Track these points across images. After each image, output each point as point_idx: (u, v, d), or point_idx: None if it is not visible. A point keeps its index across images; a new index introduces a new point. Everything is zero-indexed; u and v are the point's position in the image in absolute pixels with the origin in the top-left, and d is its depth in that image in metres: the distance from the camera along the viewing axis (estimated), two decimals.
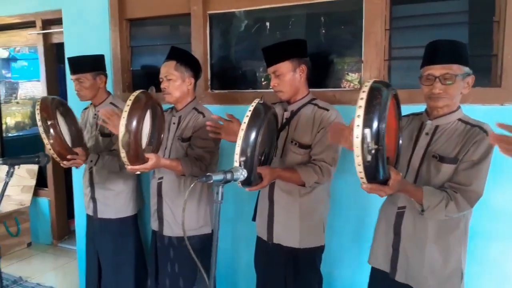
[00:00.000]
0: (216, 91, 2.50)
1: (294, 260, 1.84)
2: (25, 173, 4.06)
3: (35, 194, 4.11)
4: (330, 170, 1.76)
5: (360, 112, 1.15)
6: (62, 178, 4.13)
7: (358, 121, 1.15)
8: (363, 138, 1.14)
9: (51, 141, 1.97)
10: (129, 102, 1.66)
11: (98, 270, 2.52)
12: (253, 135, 1.46)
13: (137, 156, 1.70)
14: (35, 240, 4.12)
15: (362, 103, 1.16)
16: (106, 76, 2.37)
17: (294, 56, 1.78)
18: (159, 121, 1.94)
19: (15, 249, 3.90)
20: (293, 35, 2.28)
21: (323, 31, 2.30)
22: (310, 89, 1.89)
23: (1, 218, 3.73)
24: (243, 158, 1.45)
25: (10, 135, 4.65)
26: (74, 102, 2.68)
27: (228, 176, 1.20)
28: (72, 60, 2.31)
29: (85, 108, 2.50)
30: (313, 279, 1.87)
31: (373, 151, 1.14)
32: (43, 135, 1.95)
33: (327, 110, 1.80)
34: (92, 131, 2.38)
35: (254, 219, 2.02)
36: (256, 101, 1.57)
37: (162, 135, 1.99)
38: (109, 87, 2.69)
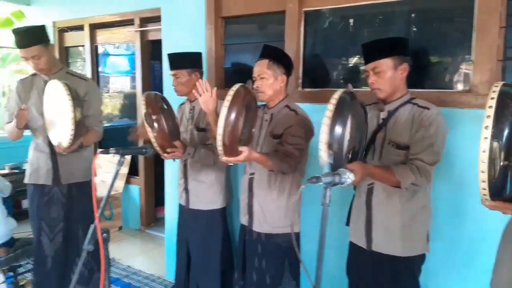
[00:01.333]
0: (307, 90, 2.47)
1: (393, 269, 1.76)
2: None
3: (127, 181, 4.41)
4: (429, 171, 1.65)
5: (488, 122, 1.03)
6: (152, 168, 4.38)
7: (486, 133, 1.03)
8: (492, 152, 1.03)
9: (155, 134, 2.08)
10: (228, 97, 1.69)
11: (187, 257, 2.63)
12: (339, 128, 1.41)
13: (232, 149, 1.74)
14: (125, 225, 4.44)
15: (490, 112, 1.03)
16: (201, 73, 2.45)
17: (396, 54, 1.70)
18: (253, 115, 1.95)
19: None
20: (391, 33, 2.18)
21: (427, 28, 2.16)
22: (409, 89, 1.78)
23: (98, 201, 4.05)
24: (330, 152, 1.40)
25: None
26: (168, 97, 2.82)
27: (337, 178, 1.16)
28: (171, 56, 2.42)
29: (182, 104, 2.61)
30: None
31: (501, 167, 1.02)
32: (148, 129, 2.06)
33: (428, 108, 1.69)
34: (188, 125, 2.48)
35: (348, 223, 1.96)
36: (341, 91, 1.51)
37: (253, 130, 2.02)
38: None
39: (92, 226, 1.61)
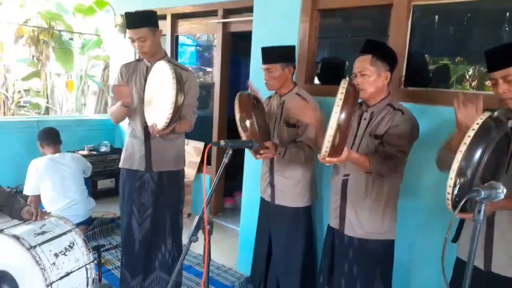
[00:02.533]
0: (411, 89, 2.31)
1: None
2: (192, 151, 4.43)
3: (199, 170, 4.46)
4: None
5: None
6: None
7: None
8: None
9: (248, 137, 2.09)
10: (340, 95, 1.60)
11: (267, 250, 2.59)
12: (477, 155, 1.27)
13: (338, 150, 1.66)
14: (194, 211, 4.50)
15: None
16: (294, 67, 2.38)
17: None
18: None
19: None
20: (506, 34, 1.97)
21: None
22: None
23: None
24: (461, 180, 1.27)
25: None
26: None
27: (493, 193, 1.03)
28: (265, 50, 2.36)
29: (269, 97, 2.56)
30: None
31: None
32: (241, 134, 2.09)
33: None
34: (276, 120, 2.42)
35: (454, 240, 1.80)
36: (487, 114, 1.36)
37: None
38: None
39: (196, 217, 1.59)
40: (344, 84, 1.66)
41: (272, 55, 2.32)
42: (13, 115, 7.18)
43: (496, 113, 1.41)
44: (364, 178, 1.97)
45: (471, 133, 1.30)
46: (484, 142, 1.29)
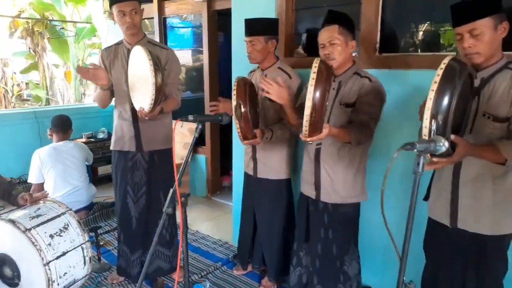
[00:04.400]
0: (385, 54, 2.33)
1: (479, 247, 1.64)
2: (187, 132, 4.49)
3: (194, 151, 4.54)
4: None
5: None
6: (218, 138, 4.46)
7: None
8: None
9: (241, 124, 2.14)
10: (313, 75, 1.63)
11: (253, 224, 2.69)
12: (446, 99, 1.30)
13: (317, 128, 1.70)
14: (192, 192, 4.60)
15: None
16: (277, 40, 2.40)
17: (495, 12, 1.51)
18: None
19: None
20: None
21: None
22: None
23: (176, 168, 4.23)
24: (433, 126, 1.30)
25: None
26: (237, 70, 2.81)
27: (431, 146, 1.08)
28: (248, 22, 2.37)
29: (252, 71, 2.59)
30: (499, 268, 1.66)
31: None
32: (235, 119, 2.13)
33: None
34: (259, 94, 2.45)
35: (426, 199, 1.85)
36: (448, 57, 1.37)
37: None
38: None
39: (171, 190, 1.66)
40: (315, 63, 1.67)
41: (256, 27, 2.34)
42: (14, 108, 7.31)
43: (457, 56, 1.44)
44: (336, 146, 2.03)
45: (437, 79, 1.31)
46: (451, 84, 1.30)
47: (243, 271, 2.88)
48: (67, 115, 3.89)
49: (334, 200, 2.09)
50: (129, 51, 2.44)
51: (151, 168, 2.58)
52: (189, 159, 1.74)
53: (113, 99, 2.57)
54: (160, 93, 2.25)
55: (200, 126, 1.69)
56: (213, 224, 3.84)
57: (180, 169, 1.70)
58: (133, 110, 2.44)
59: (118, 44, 2.54)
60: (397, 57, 2.28)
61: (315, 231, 2.19)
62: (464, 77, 1.36)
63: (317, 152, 2.10)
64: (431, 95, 1.31)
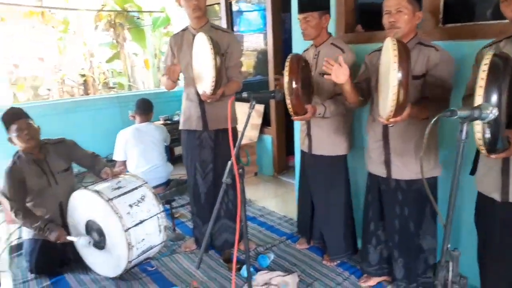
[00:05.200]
0: (450, 25, 2.22)
1: None
2: (254, 113, 4.61)
3: (261, 131, 4.68)
4: None
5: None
6: (283, 119, 4.54)
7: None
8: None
9: (292, 100, 2.18)
10: (395, 52, 1.59)
11: (311, 202, 2.75)
12: (495, 95, 1.24)
13: (402, 109, 1.68)
14: (260, 171, 4.76)
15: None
16: (329, 16, 2.40)
17: None
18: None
19: (246, 176, 4.59)
20: None
21: None
22: None
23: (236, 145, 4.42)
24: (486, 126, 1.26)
25: None
26: (298, 46, 2.84)
27: (476, 113, 1.07)
28: None
29: (305, 50, 2.62)
30: None
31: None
32: (287, 95, 2.16)
33: None
34: (313, 71, 2.48)
35: (472, 173, 1.78)
36: (491, 53, 1.31)
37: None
38: (331, 27, 2.73)
39: (229, 163, 1.78)
40: (393, 43, 1.63)
41: (309, 3, 2.36)
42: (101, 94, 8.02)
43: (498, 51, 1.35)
44: (405, 122, 1.95)
45: (484, 75, 1.26)
46: (497, 81, 1.26)
47: (306, 245, 2.97)
48: (149, 99, 4.24)
49: (407, 176, 2.07)
50: (194, 36, 2.59)
51: (217, 146, 2.74)
52: (244, 132, 1.83)
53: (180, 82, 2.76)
54: (221, 75, 2.38)
55: (254, 103, 1.78)
56: (279, 201, 3.97)
57: (237, 143, 1.81)
58: (199, 92, 2.61)
59: (185, 30, 2.71)
60: (462, 27, 2.16)
61: (390, 208, 2.19)
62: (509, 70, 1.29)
63: (385, 129, 2.07)
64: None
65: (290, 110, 2.23)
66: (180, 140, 2.94)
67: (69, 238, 2.62)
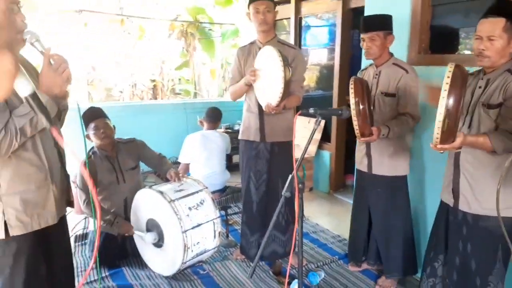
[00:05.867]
0: None
1: None
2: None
3: (319, 147, 4.65)
4: None
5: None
6: (343, 136, 4.49)
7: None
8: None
9: (359, 121, 2.18)
10: (447, 80, 1.57)
11: (367, 223, 2.71)
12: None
13: (450, 136, 1.63)
14: (315, 187, 4.72)
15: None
16: (394, 36, 2.38)
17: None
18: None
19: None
20: None
21: None
22: None
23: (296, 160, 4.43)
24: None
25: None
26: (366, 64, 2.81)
27: None
28: (367, 18, 2.42)
29: (364, 69, 2.61)
30: None
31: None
32: (354, 116, 2.16)
33: None
34: (373, 90, 2.46)
35: None
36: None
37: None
38: (403, 48, 2.68)
39: (290, 176, 1.80)
40: (450, 67, 1.59)
41: (375, 23, 2.37)
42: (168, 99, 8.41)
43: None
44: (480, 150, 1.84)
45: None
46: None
47: (358, 268, 2.90)
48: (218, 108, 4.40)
49: (474, 210, 1.92)
50: (260, 49, 2.67)
51: (272, 158, 2.79)
52: (307, 147, 1.83)
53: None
54: (288, 88, 2.42)
55: (320, 119, 1.78)
56: (333, 220, 3.91)
57: (300, 158, 1.82)
58: (259, 104, 2.66)
59: (252, 43, 2.79)
60: None
61: (454, 242, 2.05)
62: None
63: (457, 156, 1.97)
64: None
65: (357, 131, 2.22)
66: (238, 149, 3.01)
67: (137, 233, 2.77)
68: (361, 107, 2.16)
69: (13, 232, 1.53)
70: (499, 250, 1.88)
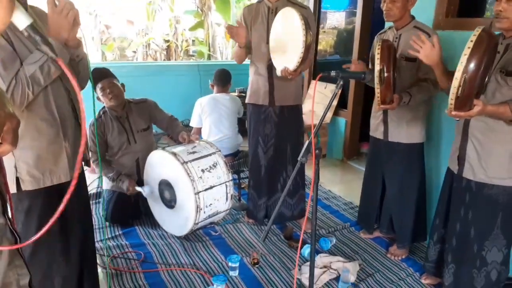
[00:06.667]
0: None
1: None
2: (329, 93, 4.51)
3: (335, 113, 4.56)
4: None
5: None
6: (361, 103, 4.38)
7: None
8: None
9: (382, 88, 2.10)
10: (469, 44, 1.51)
11: (380, 190, 2.66)
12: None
13: (466, 103, 1.59)
14: (329, 154, 4.68)
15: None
16: None
17: None
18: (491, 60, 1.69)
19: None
20: None
21: None
22: None
23: (306, 129, 4.36)
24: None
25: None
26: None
27: None
28: None
29: (381, 33, 2.50)
30: None
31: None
32: (377, 83, 2.09)
33: None
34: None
35: None
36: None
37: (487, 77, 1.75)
38: (428, 10, 2.55)
39: (307, 141, 1.74)
40: (477, 31, 1.52)
41: None
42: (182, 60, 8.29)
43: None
44: (489, 118, 1.81)
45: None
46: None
47: (369, 235, 2.89)
48: (228, 70, 4.30)
49: (479, 178, 1.91)
50: (269, 9, 2.55)
51: (281, 122, 2.73)
52: (326, 112, 1.76)
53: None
54: (308, 52, 2.32)
55: (341, 82, 1.71)
56: (345, 187, 3.88)
57: (318, 123, 1.75)
58: (269, 67, 2.58)
59: (260, 1, 2.66)
60: None
61: (455, 208, 2.06)
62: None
63: (466, 122, 1.92)
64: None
65: (378, 98, 2.14)
66: None
67: (137, 188, 2.79)
68: (385, 74, 2.07)
69: (25, 187, 1.53)
70: (498, 217, 1.90)
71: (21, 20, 1.03)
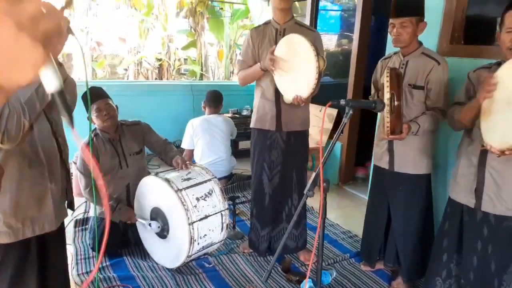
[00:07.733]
0: None
1: None
2: (325, 117, 4.44)
3: (330, 137, 4.47)
4: None
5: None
6: (357, 128, 4.30)
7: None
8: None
9: (392, 118, 2.02)
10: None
11: (386, 222, 2.55)
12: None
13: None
14: (324, 177, 4.55)
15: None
16: (426, 24, 2.18)
17: None
18: None
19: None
20: None
21: None
22: None
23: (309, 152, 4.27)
24: None
25: None
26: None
27: None
28: (399, 2, 2.18)
29: (385, 58, 2.43)
30: None
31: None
32: (386, 112, 2.01)
33: None
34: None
35: None
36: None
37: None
38: (433, 37, 2.49)
39: (313, 174, 1.64)
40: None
41: (408, 7, 2.16)
42: (174, 80, 8.19)
43: None
44: None
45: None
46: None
47: (370, 268, 2.76)
48: (220, 91, 4.20)
49: (499, 211, 1.82)
50: (277, 31, 2.48)
51: (288, 148, 2.62)
52: (334, 144, 1.67)
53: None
54: (321, 78, 2.24)
55: (350, 112, 1.61)
56: (342, 214, 3.76)
57: (325, 155, 1.65)
58: (277, 91, 2.48)
59: (266, 24, 2.58)
60: None
61: (471, 243, 1.96)
62: None
63: (483, 154, 1.84)
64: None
65: (388, 128, 2.05)
66: (246, 135, 2.85)
67: (140, 220, 2.62)
68: (395, 103, 1.99)
69: (1, 239, 1.29)
70: None
71: (50, 83, 0.60)
